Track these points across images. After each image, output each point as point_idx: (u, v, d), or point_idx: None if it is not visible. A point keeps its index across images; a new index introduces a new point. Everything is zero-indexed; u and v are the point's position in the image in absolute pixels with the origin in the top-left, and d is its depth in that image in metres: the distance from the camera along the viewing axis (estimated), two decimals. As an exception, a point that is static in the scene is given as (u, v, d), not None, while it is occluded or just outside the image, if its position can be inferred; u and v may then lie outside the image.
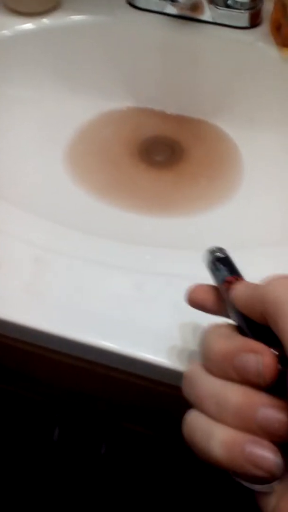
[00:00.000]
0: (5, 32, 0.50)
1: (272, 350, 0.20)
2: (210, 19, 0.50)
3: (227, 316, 0.24)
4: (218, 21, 0.50)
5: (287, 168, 0.48)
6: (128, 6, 0.52)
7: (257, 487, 0.19)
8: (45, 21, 0.51)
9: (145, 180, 0.49)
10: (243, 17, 0.50)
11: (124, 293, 0.32)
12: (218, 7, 0.49)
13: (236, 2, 0.49)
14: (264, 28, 0.51)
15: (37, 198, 0.43)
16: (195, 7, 0.49)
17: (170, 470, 0.45)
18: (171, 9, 0.50)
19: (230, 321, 0.23)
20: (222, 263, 0.25)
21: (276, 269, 0.23)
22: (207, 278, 0.26)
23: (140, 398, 0.35)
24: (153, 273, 0.33)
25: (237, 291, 0.23)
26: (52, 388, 0.38)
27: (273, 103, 0.50)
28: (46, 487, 0.51)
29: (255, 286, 0.22)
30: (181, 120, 0.54)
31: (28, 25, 0.50)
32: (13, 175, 0.45)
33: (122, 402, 0.37)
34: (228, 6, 0.49)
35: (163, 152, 0.52)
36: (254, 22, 0.50)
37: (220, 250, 0.26)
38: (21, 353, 0.33)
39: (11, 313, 0.30)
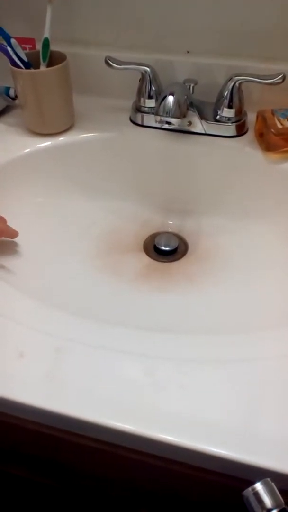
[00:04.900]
0: (28, 150, 0.58)
1: None
2: (202, 131, 0.58)
3: None
4: (209, 132, 0.58)
5: (277, 253, 0.53)
6: (131, 124, 0.61)
7: None
8: (62, 139, 0.60)
9: (151, 266, 0.55)
10: (230, 129, 0.58)
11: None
12: (208, 121, 0.58)
13: (223, 116, 0.57)
14: (250, 135, 0.59)
15: (57, 289, 0.49)
16: (189, 123, 0.58)
17: None
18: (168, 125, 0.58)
19: None
20: None
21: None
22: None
23: (153, 481, 0.37)
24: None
25: None
26: (73, 473, 0.40)
27: (260, 198, 0.57)
28: None
29: None
30: (183, 215, 0.61)
31: (47, 143, 0.59)
32: (36, 269, 0.51)
33: (138, 484, 0.39)
34: (217, 121, 0.57)
35: (169, 243, 0.58)
36: (240, 131, 0.58)
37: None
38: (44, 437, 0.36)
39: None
